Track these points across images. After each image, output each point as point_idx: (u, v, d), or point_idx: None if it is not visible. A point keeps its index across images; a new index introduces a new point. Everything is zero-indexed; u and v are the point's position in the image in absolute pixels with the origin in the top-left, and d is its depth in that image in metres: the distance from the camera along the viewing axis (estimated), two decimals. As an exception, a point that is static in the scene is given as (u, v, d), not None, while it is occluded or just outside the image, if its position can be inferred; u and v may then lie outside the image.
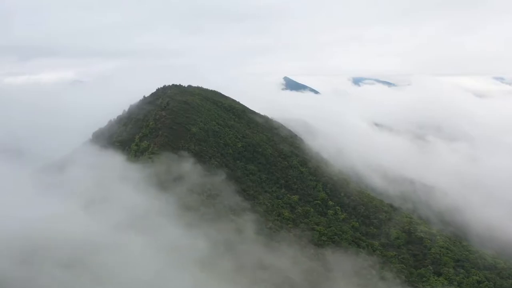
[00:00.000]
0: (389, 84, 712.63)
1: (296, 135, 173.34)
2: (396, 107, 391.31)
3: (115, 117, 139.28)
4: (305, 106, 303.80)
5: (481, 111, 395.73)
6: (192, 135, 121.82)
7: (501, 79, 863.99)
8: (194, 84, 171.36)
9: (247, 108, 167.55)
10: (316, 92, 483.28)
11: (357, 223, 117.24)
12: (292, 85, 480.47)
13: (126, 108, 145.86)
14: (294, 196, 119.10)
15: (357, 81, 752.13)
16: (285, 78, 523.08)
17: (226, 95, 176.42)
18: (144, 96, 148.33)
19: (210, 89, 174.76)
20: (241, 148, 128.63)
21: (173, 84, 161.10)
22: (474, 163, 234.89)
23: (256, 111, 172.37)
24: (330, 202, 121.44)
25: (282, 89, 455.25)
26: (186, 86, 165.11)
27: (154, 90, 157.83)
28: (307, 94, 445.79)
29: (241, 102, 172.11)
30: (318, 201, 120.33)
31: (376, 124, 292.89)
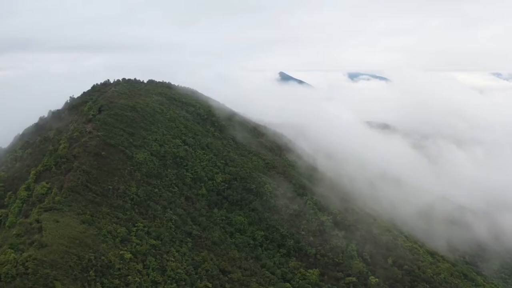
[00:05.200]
0: (386, 80, 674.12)
1: (297, 145, 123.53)
2: (394, 104, 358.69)
3: (21, 132, 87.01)
4: (302, 103, 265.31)
5: (483, 108, 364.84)
6: (135, 166, 70.45)
7: (498, 75, 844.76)
8: (182, 82, 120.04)
9: (235, 113, 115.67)
10: (311, 87, 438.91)
11: (422, 319, 67.76)
12: (287, 80, 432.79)
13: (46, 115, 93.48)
14: (311, 271, 70.13)
15: (352, 76, 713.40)
16: (281, 73, 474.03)
17: (216, 93, 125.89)
18: (70, 97, 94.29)
19: (185, 86, 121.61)
20: (222, 185, 77.98)
21: (123, 79, 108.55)
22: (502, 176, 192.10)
23: (249, 114, 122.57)
24: (373, 279, 71.66)
25: (277, 85, 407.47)
26: (144, 81, 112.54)
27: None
28: (303, 90, 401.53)
29: (228, 105, 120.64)
30: (353, 279, 70.45)
31: (376, 124, 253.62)
